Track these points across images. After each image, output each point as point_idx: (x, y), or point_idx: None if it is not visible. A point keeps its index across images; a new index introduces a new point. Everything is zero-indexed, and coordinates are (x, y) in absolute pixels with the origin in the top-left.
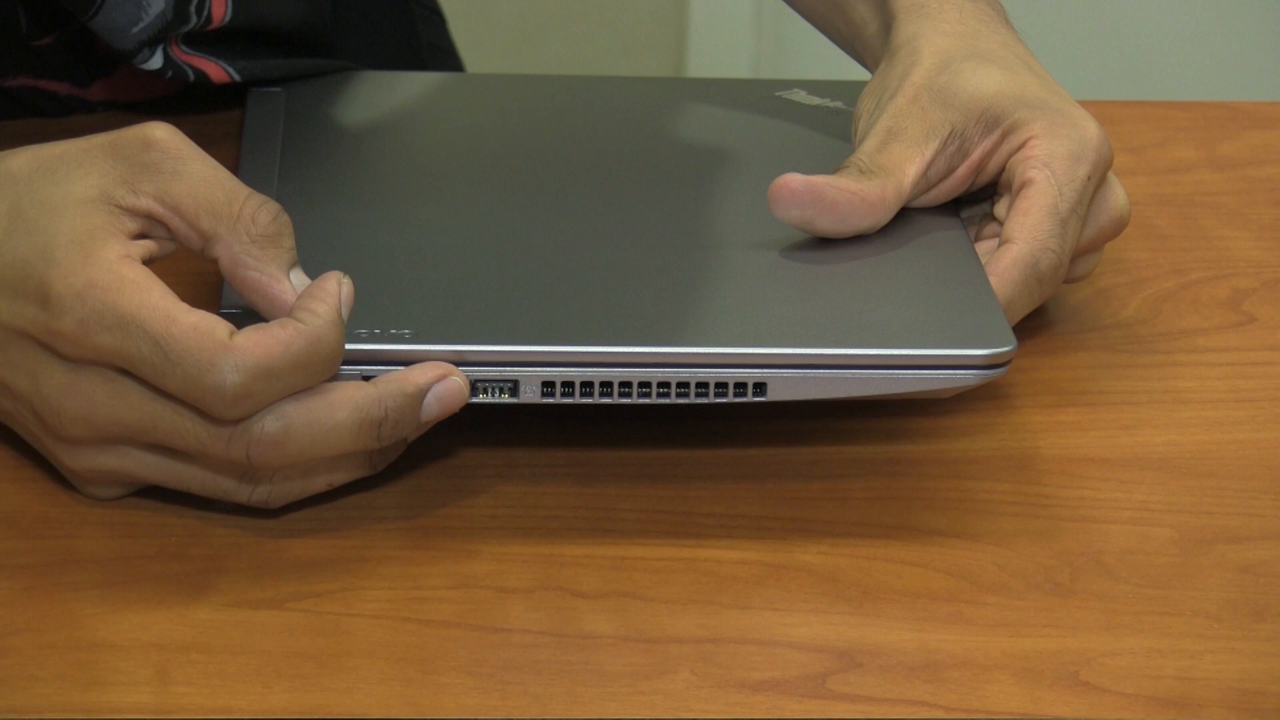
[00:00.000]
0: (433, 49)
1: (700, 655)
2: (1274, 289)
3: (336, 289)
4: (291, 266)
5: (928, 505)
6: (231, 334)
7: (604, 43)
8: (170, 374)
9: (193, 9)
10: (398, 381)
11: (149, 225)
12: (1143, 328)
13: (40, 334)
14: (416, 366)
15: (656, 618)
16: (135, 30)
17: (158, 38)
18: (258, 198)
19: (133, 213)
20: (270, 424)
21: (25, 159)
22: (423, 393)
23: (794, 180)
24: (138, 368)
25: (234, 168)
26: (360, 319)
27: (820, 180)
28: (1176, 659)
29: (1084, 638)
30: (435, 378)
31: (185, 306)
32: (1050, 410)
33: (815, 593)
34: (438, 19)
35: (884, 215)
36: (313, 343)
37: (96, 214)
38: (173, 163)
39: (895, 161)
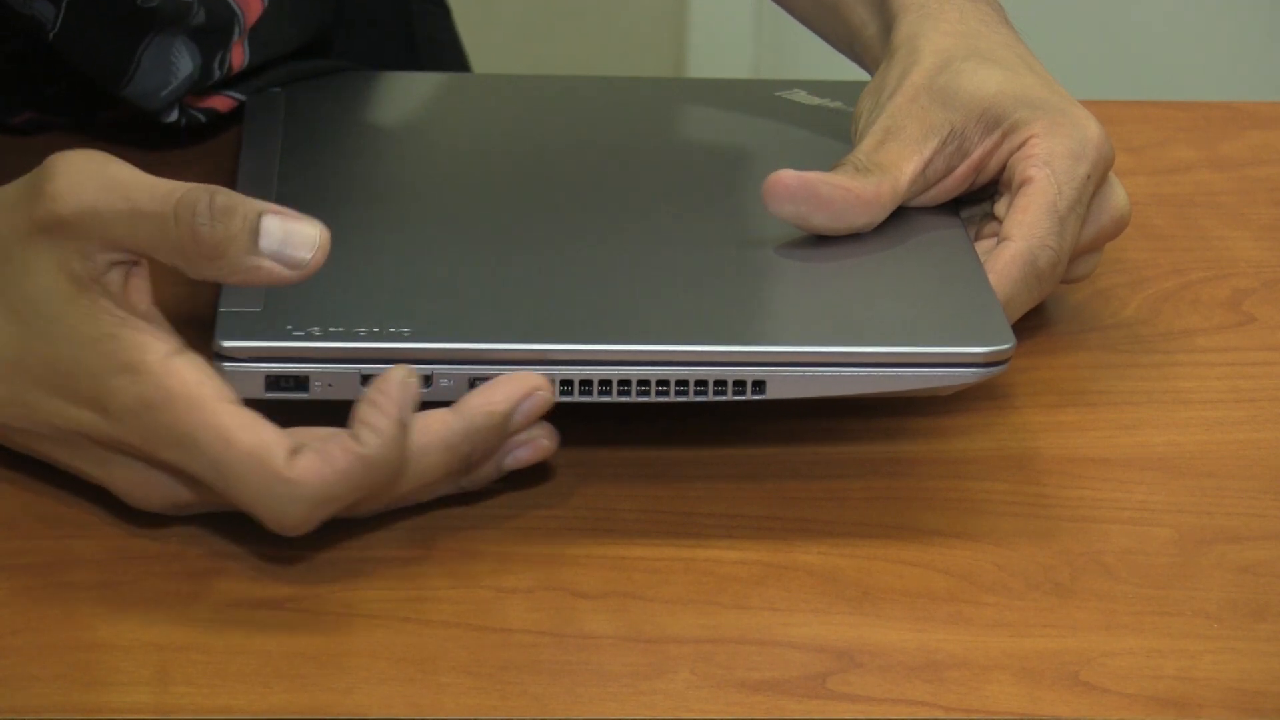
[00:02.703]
0: (430, 43)
1: (700, 655)
2: (1274, 289)
3: (399, 393)
4: (255, 235)
5: (928, 505)
6: (289, 456)
7: (604, 43)
8: (230, 495)
9: (216, 64)
10: (484, 411)
11: (125, 263)
12: (1143, 328)
13: (104, 439)
14: (501, 386)
15: (656, 618)
16: (164, 93)
17: (183, 96)
18: (181, 202)
19: (108, 273)
20: (356, 507)
21: None
22: (509, 415)
23: (788, 176)
24: (203, 480)
25: (234, 168)
26: (359, 318)
27: (815, 176)
28: (1176, 659)
29: (1084, 638)
30: (520, 398)
31: (241, 420)
32: (1050, 410)
33: (815, 593)
34: (441, 11)
35: (879, 213)
36: (372, 468)
37: (92, 304)
38: (90, 220)
39: (892, 159)
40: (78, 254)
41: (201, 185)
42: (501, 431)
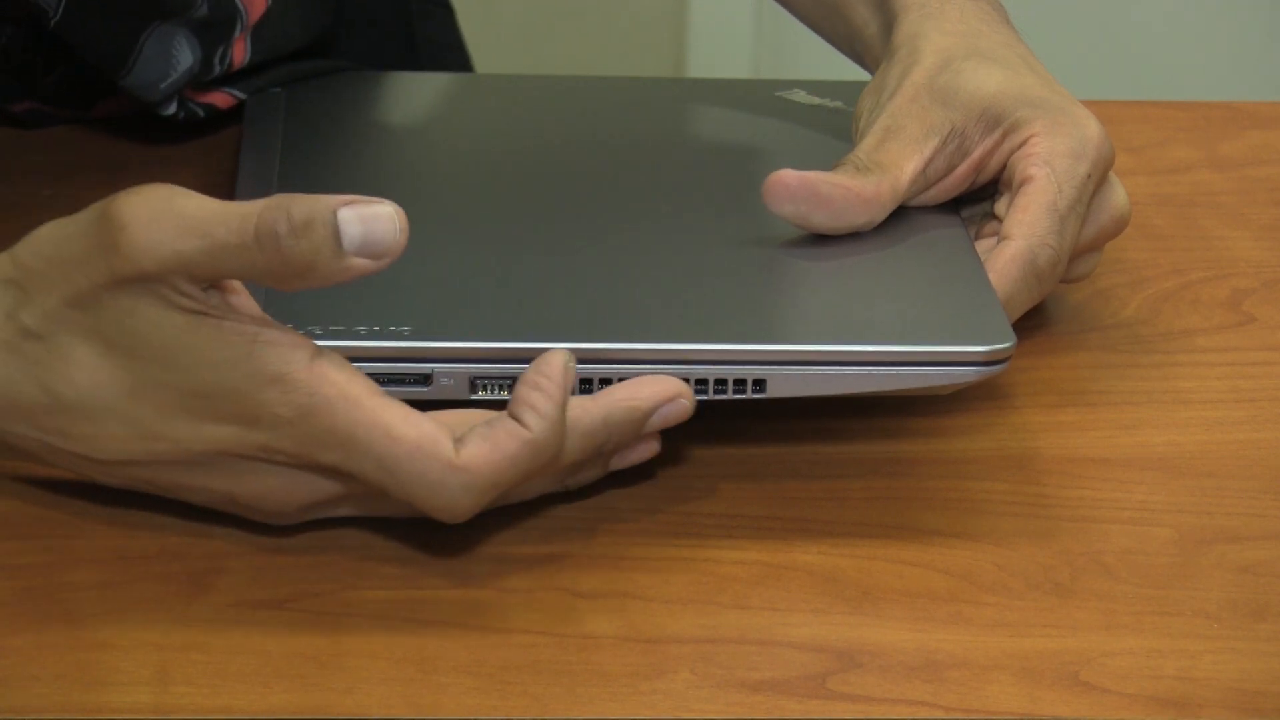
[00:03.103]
0: (432, 43)
1: (700, 655)
2: (1274, 289)
3: (561, 376)
4: (339, 237)
5: (928, 505)
6: (456, 448)
7: (604, 43)
8: (397, 489)
9: (217, 58)
10: (626, 405)
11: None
12: (1143, 328)
13: (248, 451)
14: (647, 385)
15: (656, 618)
16: (164, 85)
17: (182, 89)
18: (261, 227)
19: (208, 297)
20: (507, 495)
21: (42, 309)
22: (649, 414)
23: (788, 175)
24: (362, 479)
25: (234, 168)
26: (360, 316)
27: (815, 176)
28: (1176, 659)
29: (1084, 638)
30: (664, 400)
31: (401, 414)
32: (1050, 410)
33: (815, 593)
34: (444, 12)
35: (879, 212)
36: (539, 452)
37: (215, 329)
38: (175, 264)
39: (892, 159)
40: (174, 291)
41: (273, 202)
42: (638, 429)
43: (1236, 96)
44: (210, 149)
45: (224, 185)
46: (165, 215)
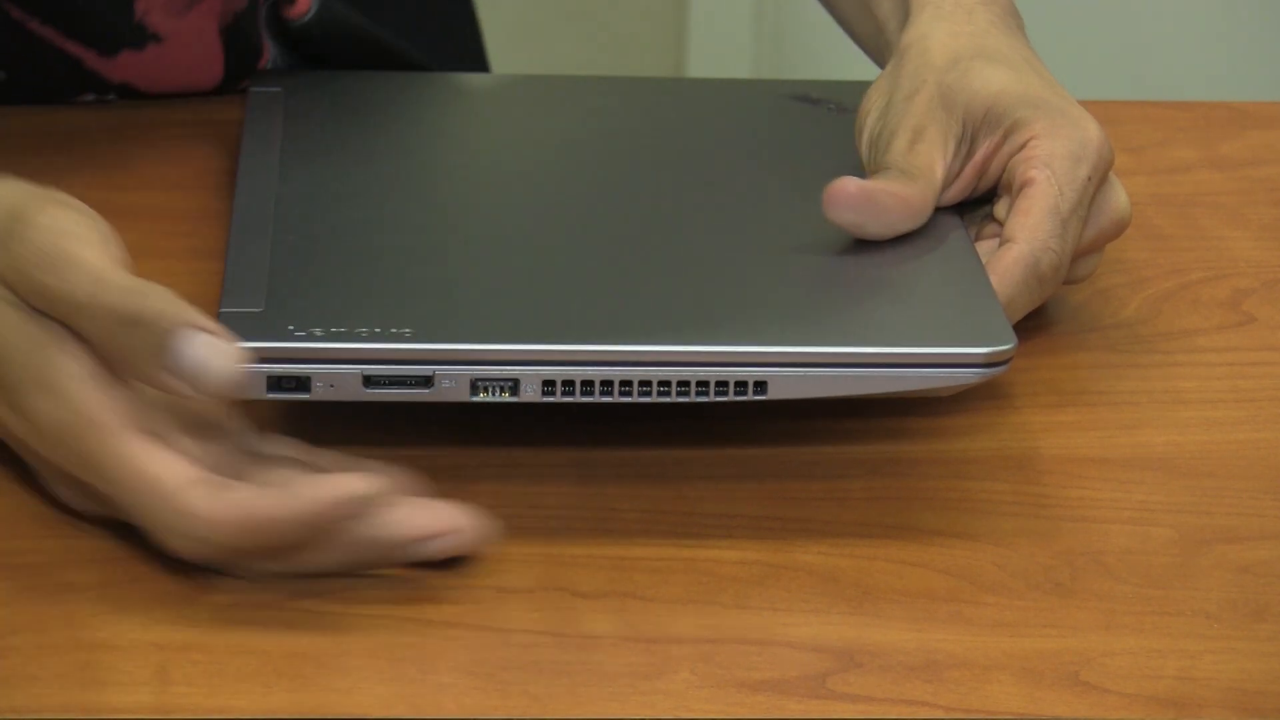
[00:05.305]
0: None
1: (700, 655)
2: (1274, 289)
3: (349, 505)
4: (165, 350)
5: (928, 505)
6: (186, 486)
7: (604, 43)
8: (133, 517)
9: None
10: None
11: None
12: (1143, 328)
13: (33, 449)
14: (420, 515)
15: (656, 618)
16: None
17: None
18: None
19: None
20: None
21: None
22: (416, 542)
23: (850, 184)
24: (109, 501)
25: (235, 168)
26: (361, 318)
27: (873, 185)
28: (1176, 659)
29: (1084, 638)
30: (431, 535)
31: (147, 451)
32: (1050, 410)
33: (815, 593)
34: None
35: (923, 219)
36: (258, 529)
37: (26, 320)
38: (27, 285)
39: (926, 162)
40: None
41: (136, 294)
42: (402, 550)
43: (1236, 96)
44: (211, 148)
45: (224, 185)
46: (56, 251)
